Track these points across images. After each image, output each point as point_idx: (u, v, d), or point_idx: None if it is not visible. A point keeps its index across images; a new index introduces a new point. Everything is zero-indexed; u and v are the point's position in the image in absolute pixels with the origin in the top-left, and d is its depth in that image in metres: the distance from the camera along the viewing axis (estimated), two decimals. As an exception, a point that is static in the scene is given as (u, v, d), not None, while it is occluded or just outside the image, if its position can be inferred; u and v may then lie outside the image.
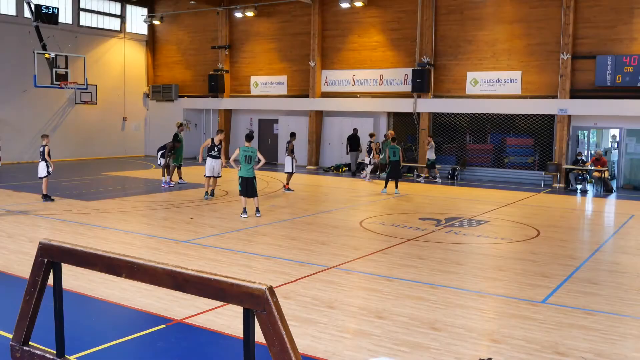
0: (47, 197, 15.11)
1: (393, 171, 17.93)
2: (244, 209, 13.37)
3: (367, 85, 25.04)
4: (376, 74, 24.75)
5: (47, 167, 14.90)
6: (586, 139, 23.46)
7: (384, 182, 18.52)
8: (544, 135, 21.77)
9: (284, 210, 14.76)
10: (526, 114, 21.78)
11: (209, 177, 15.96)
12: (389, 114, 25.18)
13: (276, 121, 28.27)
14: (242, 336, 2.71)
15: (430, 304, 7.34)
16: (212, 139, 16.18)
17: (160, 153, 18.31)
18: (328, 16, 25.97)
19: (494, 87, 22.07)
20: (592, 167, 20.05)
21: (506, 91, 21.83)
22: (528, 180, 21.69)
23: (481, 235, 11.83)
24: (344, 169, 24.69)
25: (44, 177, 14.97)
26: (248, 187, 13.21)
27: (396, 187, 18.06)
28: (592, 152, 22.21)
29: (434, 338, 6.21)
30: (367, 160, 21.84)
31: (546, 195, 18.64)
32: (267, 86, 28.04)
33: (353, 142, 24.23)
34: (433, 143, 22.16)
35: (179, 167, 18.97)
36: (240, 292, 2.69)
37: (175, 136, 18.56)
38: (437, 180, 21.88)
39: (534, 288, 8.12)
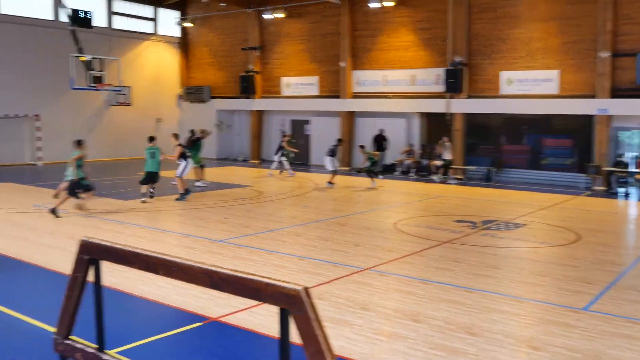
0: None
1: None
2: (144, 194, 15.27)
3: (398, 85, 24.85)
4: (408, 74, 24.57)
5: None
6: (628, 140, 22.79)
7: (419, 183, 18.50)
8: (583, 135, 21.28)
9: (316, 210, 14.73)
10: (564, 114, 21.34)
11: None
12: (421, 114, 24.98)
13: (307, 122, 28.28)
14: (277, 336, 2.68)
15: (467, 308, 7.21)
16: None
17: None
18: (358, 16, 25.88)
19: (529, 86, 21.68)
20: (636, 170, 19.49)
21: (542, 91, 21.42)
22: (566, 182, 21.21)
23: (519, 238, 11.60)
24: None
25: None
26: (154, 178, 15.40)
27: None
28: (637, 153, 21.58)
29: (471, 343, 6.08)
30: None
31: (586, 198, 18.16)
32: (298, 87, 28.07)
33: (379, 142, 24.17)
34: (449, 143, 22.12)
35: (202, 167, 19.03)
36: (275, 292, 2.67)
37: (197, 139, 18.77)
38: (450, 181, 21.72)
39: (574, 294, 7.90)
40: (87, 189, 13.44)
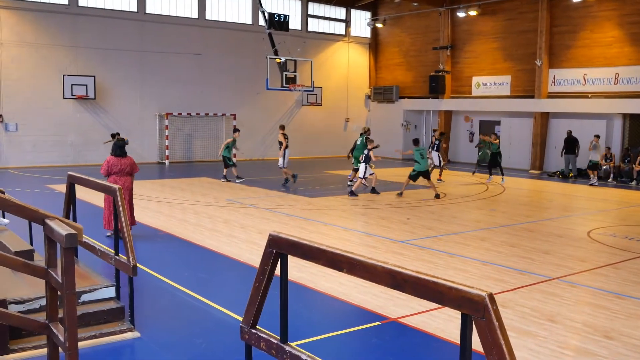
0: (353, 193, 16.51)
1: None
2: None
3: (599, 84, 23.09)
4: (611, 72, 22.70)
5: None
6: None
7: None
8: None
9: (504, 215, 14.20)
10: None
11: None
12: (624, 115, 22.94)
13: (498, 123, 27.32)
14: (456, 341, 2.67)
15: (671, 329, 6.52)
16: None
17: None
18: (557, 11, 24.43)
19: None
20: None
21: None
22: None
23: None
24: (571, 175, 23.05)
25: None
26: (426, 176, 16.38)
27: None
28: None
29: (675, 368, 5.50)
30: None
31: None
32: (489, 87, 27.24)
33: (569, 144, 22.68)
34: (598, 144, 21.14)
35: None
36: (458, 297, 2.63)
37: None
38: (592, 182, 20.70)
39: None
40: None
